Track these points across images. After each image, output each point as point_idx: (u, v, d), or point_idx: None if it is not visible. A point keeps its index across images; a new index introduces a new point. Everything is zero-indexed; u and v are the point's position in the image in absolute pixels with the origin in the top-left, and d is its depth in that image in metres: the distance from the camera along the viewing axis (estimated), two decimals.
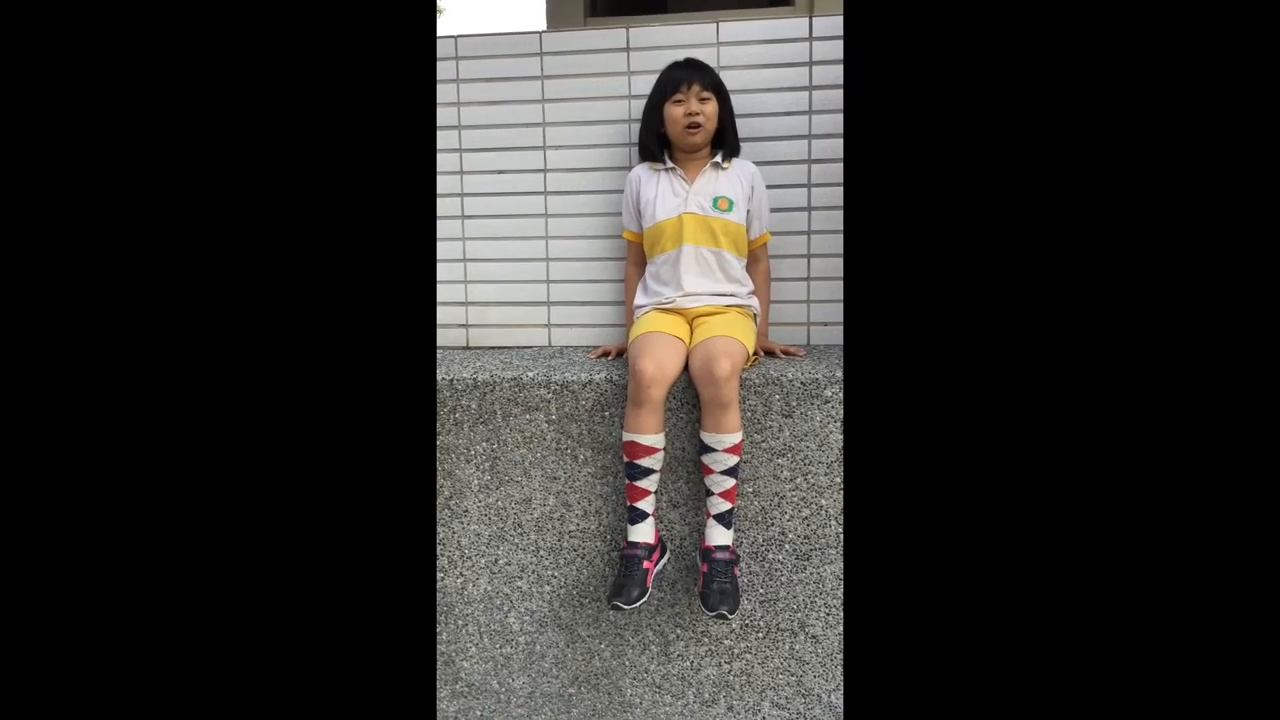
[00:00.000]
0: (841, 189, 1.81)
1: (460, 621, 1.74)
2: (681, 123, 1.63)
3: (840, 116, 1.79)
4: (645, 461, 1.51)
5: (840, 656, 1.63)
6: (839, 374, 1.55)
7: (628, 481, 1.53)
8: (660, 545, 1.57)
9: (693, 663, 1.68)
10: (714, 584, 1.46)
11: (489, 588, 1.72)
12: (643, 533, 1.52)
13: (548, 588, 1.70)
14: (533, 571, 1.70)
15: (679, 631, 1.67)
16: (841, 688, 1.64)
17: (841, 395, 1.55)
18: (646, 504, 1.53)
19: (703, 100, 1.63)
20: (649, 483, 1.53)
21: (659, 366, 1.47)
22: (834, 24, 1.78)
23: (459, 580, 1.73)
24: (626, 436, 1.51)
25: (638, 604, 1.46)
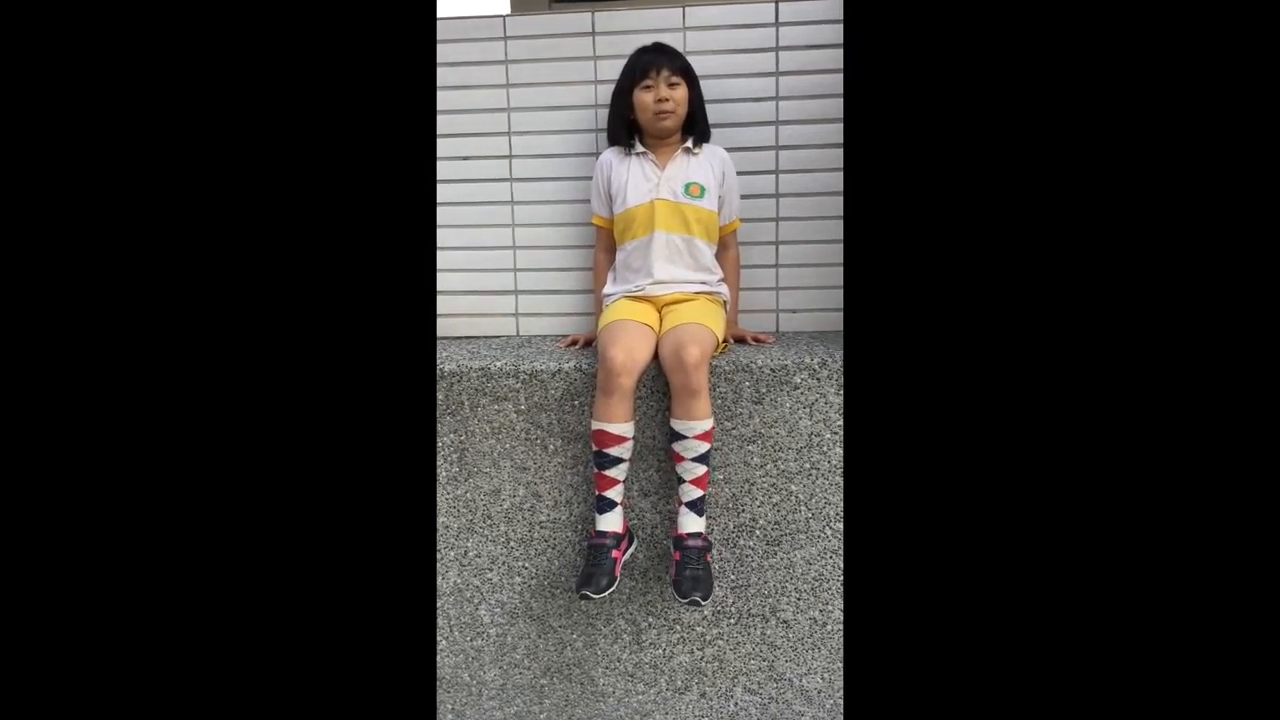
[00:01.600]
0: (810, 175, 1.81)
1: None
2: (651, 109, 1.61)
3: (808, 102, 1.79)
4: (614, 450, 1.50)
5: (810, 640, 1.64)
6: (808, 360, 1.56)
7: (596, 471, 1.52)
8: (628, 534, 1.57)
9: (665, 650, 1.68)
10: (686, 571, 1.45)
11: (459, 580, 1.70)
12: (611, 522, 1.52)
13: (518, 579, 1.69)
14: (503, 563, 1.69)
15: (651, 620, 1.67)
16: (813, 672, 1.65)
17: (811, 381, 1.55)
18: (615, 493, 1.53)
19: (672, 85, 1.62)
20: (618, 471, 1.52)
21: (628, 354, 1.46)
22: (800, 9, 1.77)
23: None
24: (595, 425, 1.50)
25: (606, 593, 1.45)
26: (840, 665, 1.65)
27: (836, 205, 1.82)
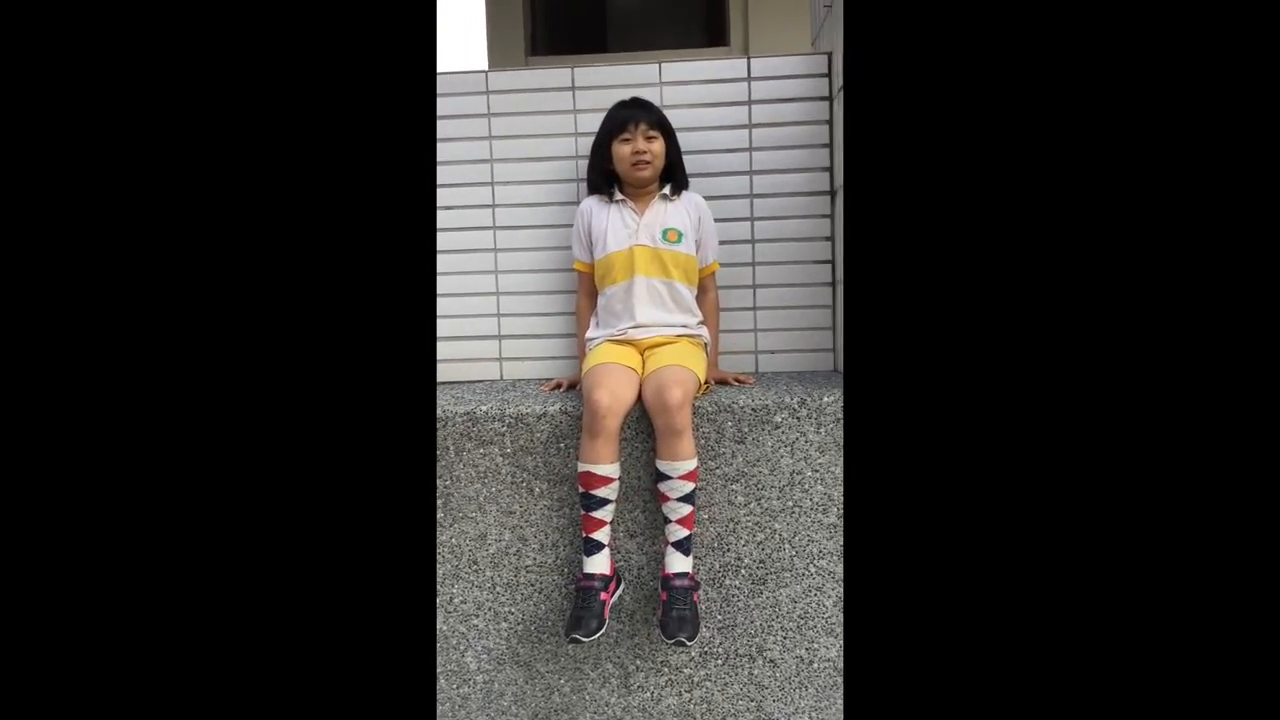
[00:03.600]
0: (783, 222, 1.88)
1: None
2: (629, 160, 1.67)
3: (779, 153, 1.86)
4: (601, 492, 1.52)
5: (797, 679, 1.65)
6: (788, 400, 1.60)
7: (583, 512, 1.54)
8: (616, 576, 1.57)
9: (653, 694, 1.67)
10: (673, 611, 1.46)
11: (444, 627, 1.69)
12: (598, 564, 1.52)
13: (505, 624, 1.68)
14: (489, 609, 1.68)
15: (639, 663, 1.67)
16: (800, 711, 1.65)
17: (791, 420, 1.59)
18: (602, 535, 1.54)
19: (649, 139, 1.68)
20: (605, 513, 1.54)
21: (614, 397, 1.49)
22: (771, 65, 1.86)
23: None
24: (582, 467, 1.52)
25: (596, 635, 1.45)
26: (828, 704, 1.65)
27: (810, 250, 1.88)
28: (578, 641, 1.44)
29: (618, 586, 1.59)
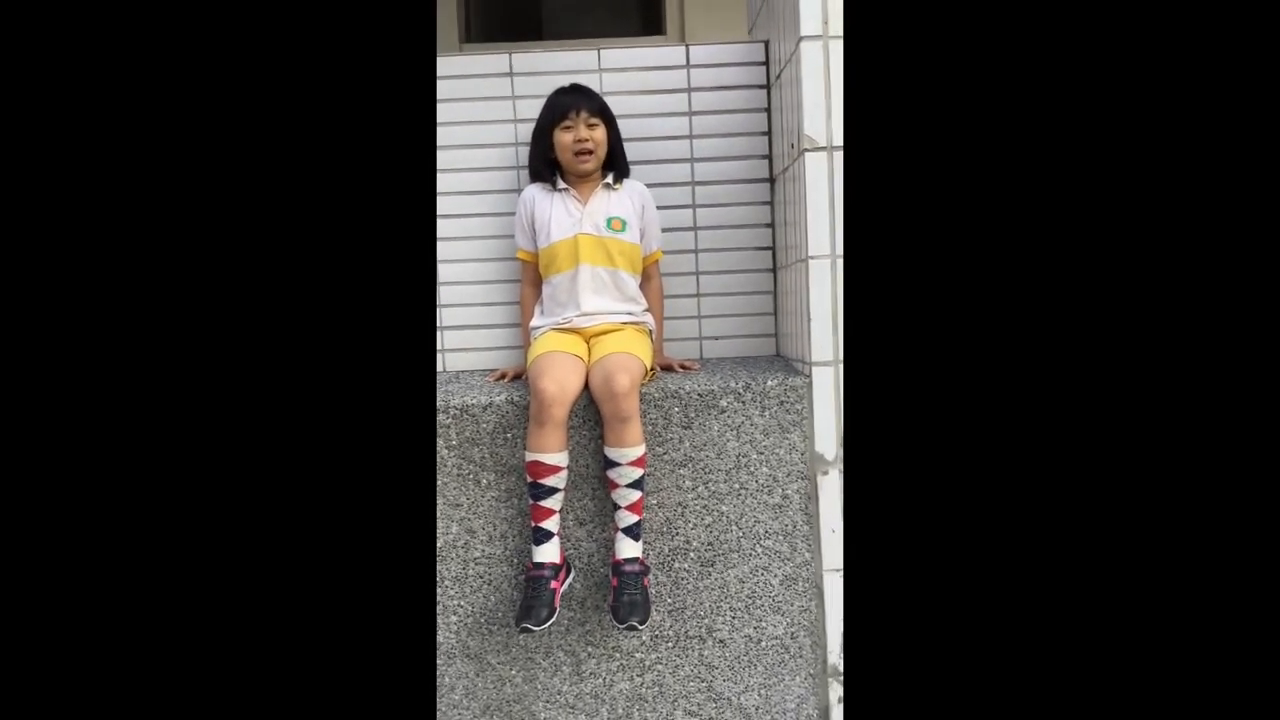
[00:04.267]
0: (725, 209, 1.90)
1: None
2: (571, 149, 1.66)
3: (719, 140, 1.88)
4: (549, 481, 1.51)
5: (746, 658, 1.68)
6: (733, 384, 1.62)
7: (531, 502, 1.53)
8: (565, 565, 1.58)
9: (605, 679, 1.68)
10: (624, 596, 1.47)
11: None
12: (548, 553, 1.52)
13: (454, 618, 1.67)
14: (437, 603, 1.66)
15: (590, 649, 1.67)
16: (750, 689, 1.69)
17: (736, 405, 1.62)
18: (551, 524, 1.54)
19: (591, 126, 1.67)
20: (553, 502, 1.53)
21: (560, 385, 1.49)
22: (708, 52, 1.87)
23: None
24: (530, 456, 1.51)
25: (547, 624, 1.45)
26: (775, 681, 1.69)
27: (751, 237, 1.91)
28: (529, 631, 1.44)
29: (568, 575, 1.59)
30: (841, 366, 1.56)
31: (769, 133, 1.88)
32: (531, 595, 1.48)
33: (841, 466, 1.60)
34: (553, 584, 1.50)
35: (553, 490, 1.52)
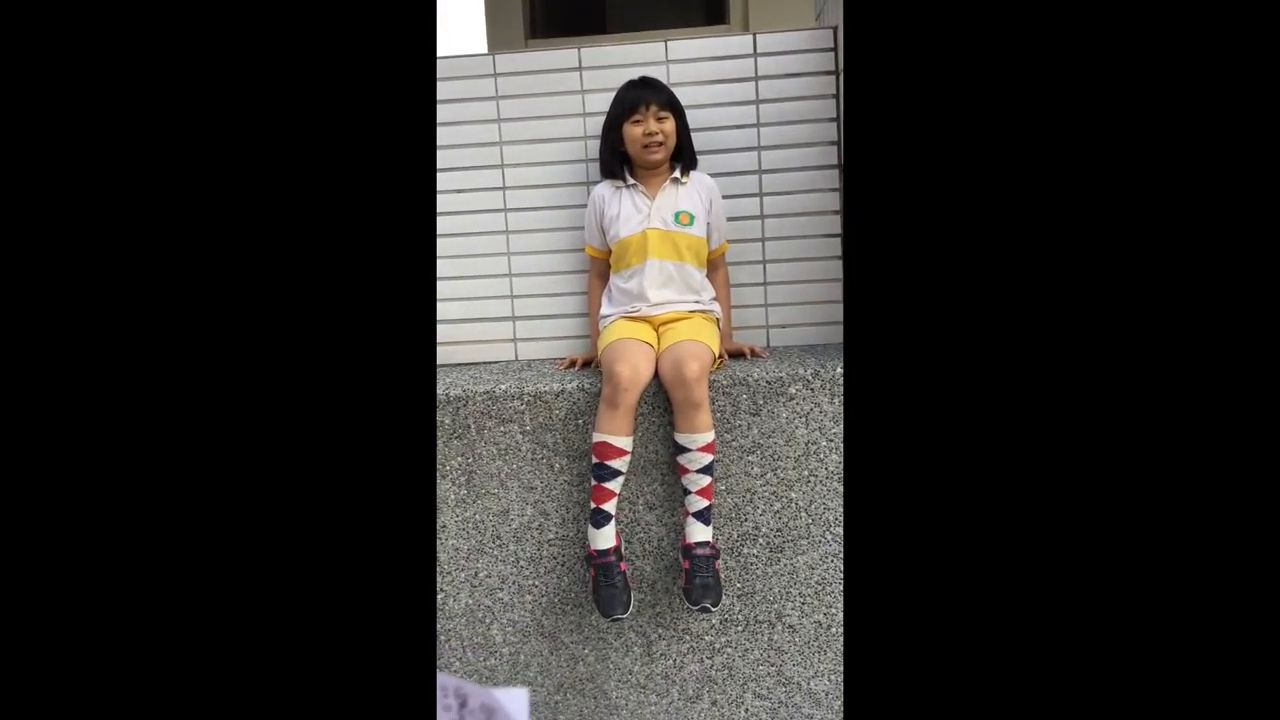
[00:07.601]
0: (792, 197, 1.90)
1: (443, 637, 1.74)
2: (641, 141, 1.69)
3: (787, 128, 1.88)
4: (615, 463, 1.55)
5: (816, 644, 1.69)
6: (801, 371, 1.63)
7: (594, 483, 1.57)
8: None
9: (675, 661, 1.72)
10: (696, 579, 1.50)
11: (470, 601, 1.73)
12: (607, 537, 1.56)
13: (529, 597, 1.72)
14: (513, 582, 1.72)
15: (660, 631, 1.71)
16: (820, 675, 1.70)
17: (805, 392, 1.62)
18: (610, 505, 1.57)
19: (660, 119, 1.69)
20: (615, 485, 1.57)
21: (634, 370, 1.52)
22: (776, 40, 1.87)
23: (440, 596, 1.73)
24: (598, 438, 1.55)
25: (632, 608, 1.50)
26: None
27: (819, 224, 1.90)
28: (619, 619, 1.48)
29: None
30: None
31: (837, 119, 1.87)
32: (607, 583, 1.52)
33: None
34: (621, 565, 1.54)
35: (616, 473, 1.56)
